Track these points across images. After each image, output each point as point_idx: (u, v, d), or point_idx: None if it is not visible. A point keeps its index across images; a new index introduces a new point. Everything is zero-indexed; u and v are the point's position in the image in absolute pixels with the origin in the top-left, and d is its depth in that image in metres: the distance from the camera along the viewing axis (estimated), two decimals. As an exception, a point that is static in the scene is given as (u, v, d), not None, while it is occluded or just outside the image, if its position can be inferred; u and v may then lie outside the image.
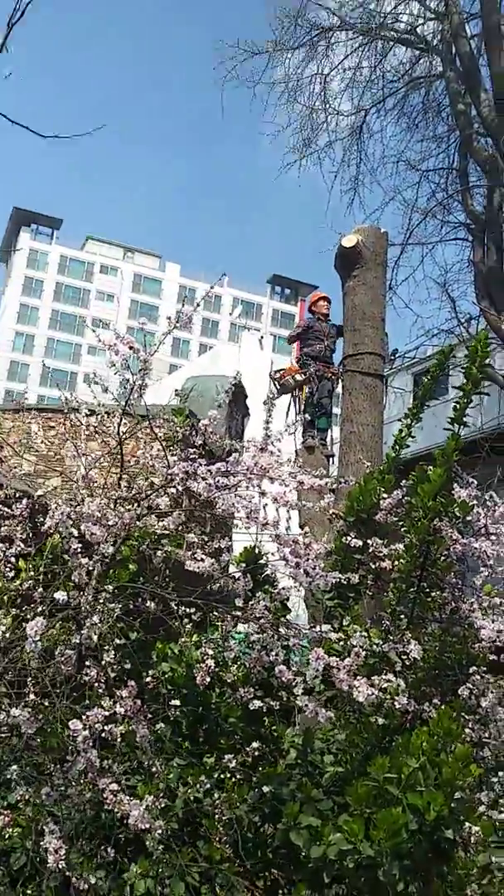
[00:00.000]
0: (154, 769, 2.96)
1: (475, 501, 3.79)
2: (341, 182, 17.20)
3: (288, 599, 3.67)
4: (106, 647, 2.99)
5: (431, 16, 14.78)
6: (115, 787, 2.65)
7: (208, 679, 3.01)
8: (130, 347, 3.34)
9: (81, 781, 2.71)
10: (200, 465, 3.16)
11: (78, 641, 2.90)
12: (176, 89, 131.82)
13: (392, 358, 14.79)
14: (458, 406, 3.76)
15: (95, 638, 2.92)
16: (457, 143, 14.43)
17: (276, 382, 9.48)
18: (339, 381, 8.77)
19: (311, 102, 15.34)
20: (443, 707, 2.96)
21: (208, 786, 3.04)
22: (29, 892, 2.70)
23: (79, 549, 3.02)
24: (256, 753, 3.17)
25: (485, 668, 3.55)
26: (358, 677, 2.71)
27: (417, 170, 14.99)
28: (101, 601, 3.03)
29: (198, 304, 4.07)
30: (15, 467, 4.45)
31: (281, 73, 15.88)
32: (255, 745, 3.15)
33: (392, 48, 15.42)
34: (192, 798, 3.09)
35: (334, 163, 18.05)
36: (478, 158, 13.47)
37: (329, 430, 9.74)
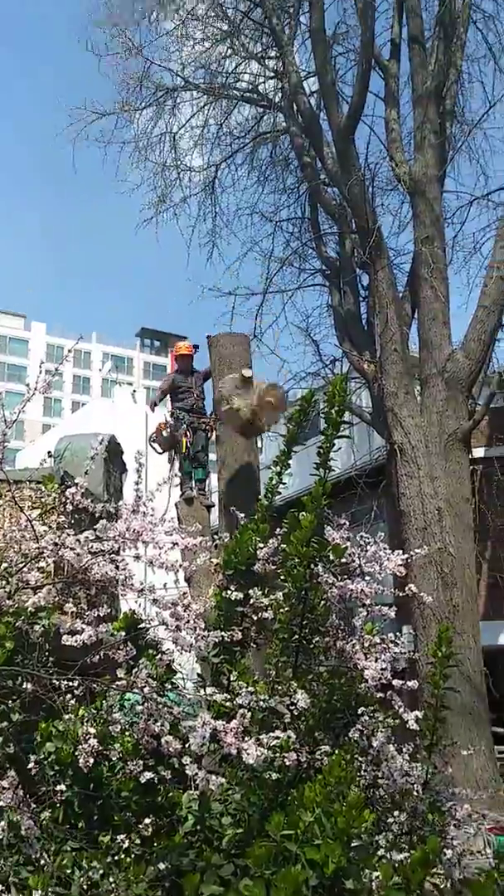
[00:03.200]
0: (42, 861, 2.82)
1: (348, 543, 3.86)
2: (199, 235, 17.61)
3: (173, 662, 3.61)
4: (-18, 738, 2.84)
5: (271, 75, 15.43)
6: (-1, 888, 2.50)
7: (92, 760, 2.90)
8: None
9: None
10: (69, 534, 3.08)
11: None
12: (35, 144, 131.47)
13: (263, 403, 15.04)
14: (321, 451, 3.84)
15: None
16: (306, 194, 15.02)
17: (153, 445, 9.50)
18: (214, 430, 8.84)
19: (162, 160, 15.66)
20: (334, 754, 2.96)
21: (101, 871, 2.91)
22: None
23: None
24: (151, 828, 3.06)
25: (373, 708, 3.60)
26: (247, 737, 2.68)
27: (271, 220, 15.51)
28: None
29: (58, 367, 4.02)
30: None
31: (131, 133, 16.16)
32: (147, 820, 3.04)
33: (236, 105, 15.99)
34: (87, 884, 2.96)
35: (190, 217, 18.42)
36: (327, 208, 14.05)
37: (207, 480, 9.77)
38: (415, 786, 3.46)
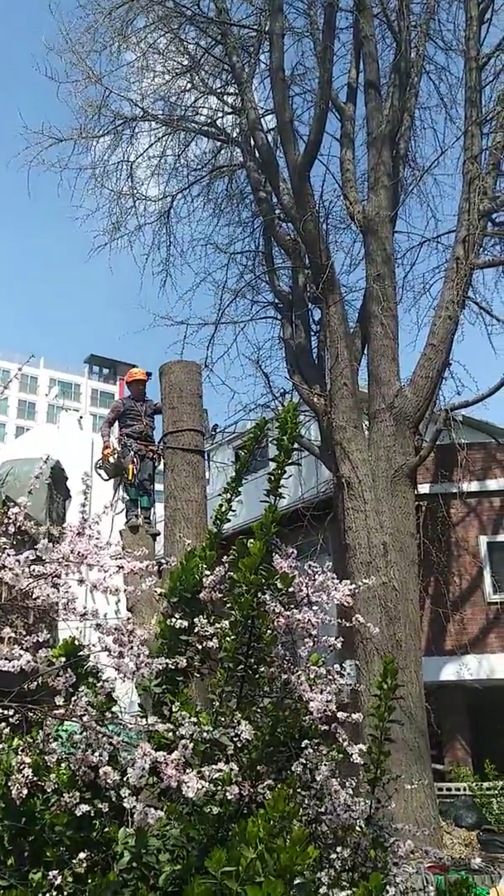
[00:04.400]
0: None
1: (296, 572, 3.82)
2: (153, 264, 17.67)
3: (114, 690, 3.50)
4: None
5: (229, 110, 15.64)
6: None
7: (25, 791, 2.77)
8: None
9: None
10: (9, 555, 2.98)
11: None
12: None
13: (212, 433, 15.05)
14: (272, 478, 3.81)
15: None
16: (261, 228, 15.20)
17: (100, 472, 9.40)
18: (161, 458, 8.78)
19: (118, 188, 15.69)
20: (277, 788, 2.89)
21: (31, 909, 2.77)
22: None
23: None
24: (86, 864, 2.93)
25: (317, 741, 3.53)
26: (188, 769, 2.59)
27: (226, 252, 15.67)
28: None
29: (5, 387, 3.93)
30: None
31: (87, 160, 16.19)
32: (82, 855, 2.91)
33: (194, 138, 16.17)
34: (15, 925, 2.81)
35: (145, 246, 18.47)
36: (281, 242, 14.23)
37: (153, 508, 9.68)
38: (358, 821, 3.39)
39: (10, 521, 3.25)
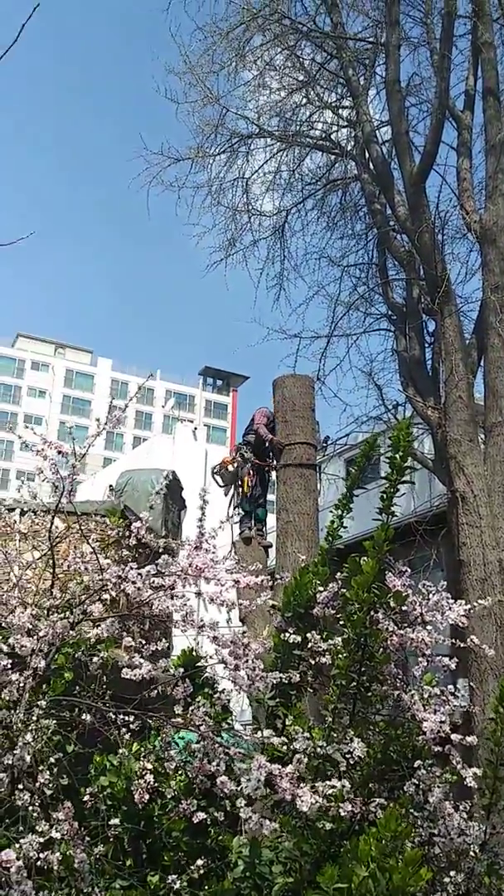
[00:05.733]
0: (93, 896, 2.80)
1: (409, 590, 3.81)
2: (267, 278, 17.75)
3: (230, 702, 3.60)
4: (41, 767, 2.85)
5: (344, 124, 15.64)
6: (51, 921, 2.49)
7: (147, 796, 2.89)
8: (59, 452, 3.32)
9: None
10: (132, 568, 3.11)
11: (10, 763, 2.77)
12: (105, 189, 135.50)
13: (324, 446, 15.05)
14: (385, 495, 3.81)
15: (29, 758, 2.79)
16: (375, 240, 15.12)
17: (216, 477, 9.53)
18: (274, 471, 8.86)
19: (234, 204, 15.94)
20: (389, 807, 2.89)
21: (151, 910, 2.88)
22: None
23: (8, 665, 2.92)
24: (202, 871, 3.02)
25: (430, 762, 3.50)
26: (302, 784, 2.63)
27: (339, 265, 15.61)
28: (34, 717, 2.90)
29: (126, 405, 4.10)
30: None
31: (204, 178, 16.54)
32: (199, 861, 3.00)
33: (309, 153, 16.23)
34: (135, 924, 2.93)
35: (259, 260, 18.60)
36: (395, 254, 14.09)
37: (265, 520, 9.77)
38: (472, 846, 3.34)
39: (133, 534, 3.40)
